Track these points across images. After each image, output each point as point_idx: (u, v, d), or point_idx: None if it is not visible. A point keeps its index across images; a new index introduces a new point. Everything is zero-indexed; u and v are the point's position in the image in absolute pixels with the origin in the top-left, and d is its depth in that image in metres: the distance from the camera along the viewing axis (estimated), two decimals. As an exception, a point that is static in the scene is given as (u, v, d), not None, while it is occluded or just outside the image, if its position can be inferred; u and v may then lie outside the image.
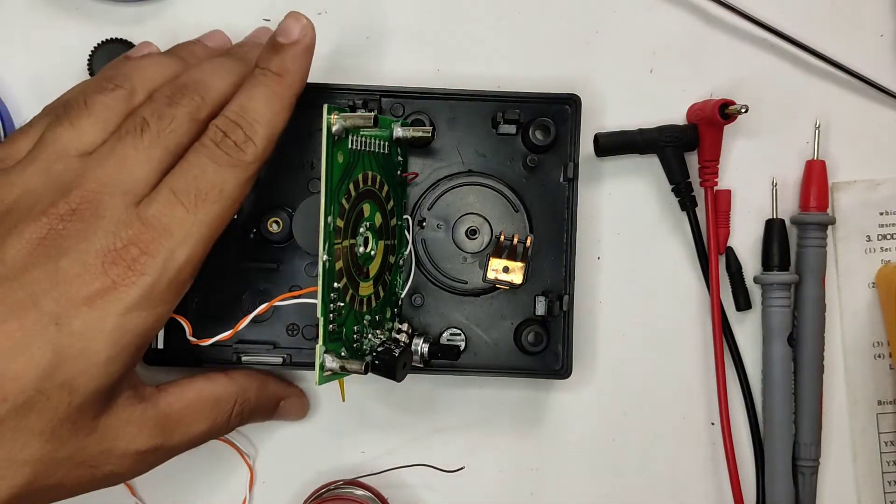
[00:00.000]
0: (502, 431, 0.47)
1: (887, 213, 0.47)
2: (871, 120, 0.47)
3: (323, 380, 0.37)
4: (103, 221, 0.33)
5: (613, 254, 0.47)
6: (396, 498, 0.46)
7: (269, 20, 0.46)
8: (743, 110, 0.43)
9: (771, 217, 0.46)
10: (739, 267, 0.46)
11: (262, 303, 0.40)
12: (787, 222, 0.47)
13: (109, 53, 0.44)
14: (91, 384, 0.33)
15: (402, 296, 0.44)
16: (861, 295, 0.47)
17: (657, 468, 0.47)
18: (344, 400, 0.41)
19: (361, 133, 0.39)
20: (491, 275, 0.42)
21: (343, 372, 0.37)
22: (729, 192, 0.46)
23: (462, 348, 0.44)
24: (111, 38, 0.44)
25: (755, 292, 0.47)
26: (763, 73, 0.47)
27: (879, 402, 0.46)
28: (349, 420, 0.46)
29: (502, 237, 0.43)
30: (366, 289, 0.40)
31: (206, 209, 0.34)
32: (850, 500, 0.47)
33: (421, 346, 0.42)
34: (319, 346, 0.36)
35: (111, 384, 0.34)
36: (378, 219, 0.41)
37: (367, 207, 0.40)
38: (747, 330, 0.47)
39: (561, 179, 0.44)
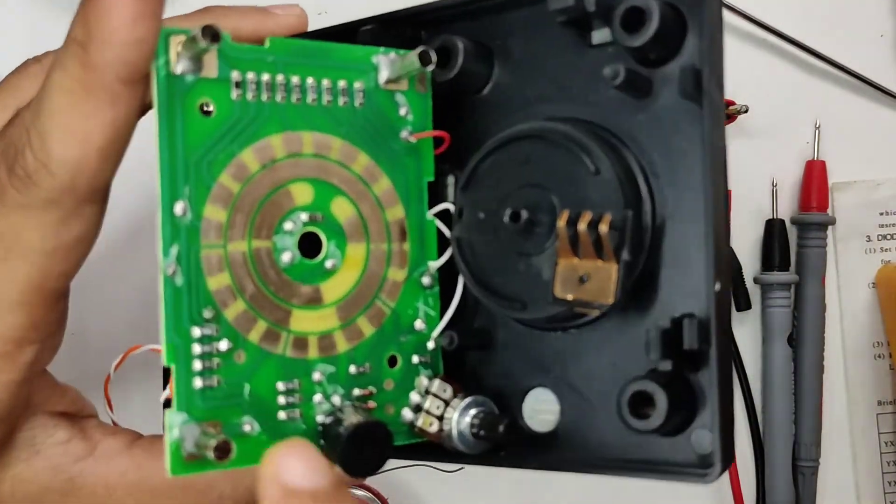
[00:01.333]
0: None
1: (887, 214, 0.47)
2: (871, 120, 0.47)
3: (181, 468, 0.24)
4: None
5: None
6: (396, 498, 0.46)
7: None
8: (743, 110, 0.43)
9: (771, 217, 0.46)
10: (739, 267, 0.46)
11: None
12: (787, 222, 0.46)
13: (109, 54, 0.44)
14: None
15: (435, 335, 0.29)
16: (861, 295, 0.46)
17: (657, 468, 0.47)
18: None
19: (290, 71, 0.26)
20: (561, 291, 0.26)
21: (224, 462, 0.24)
22: (729, 192, 0.46)
23: (554, 423, 0.28)
24: (111, 39, 0.44)
25: (755, 292, 0.47)
26: (763, 73, 0.47)
27: (879, 403, 0.46)
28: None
29: (562, 221, 0.25)
30: (313, 321, 0.27)
31: None
32: (850, 500, 0.47)
33: (455, 420, 0.27)
34: (171, 413, 0.24)
35: None
36: (343, 208, 0.27)
37: (300, 189, 0.26)
38: (747, 330, 0.47)
39: (677, 103, 0.26)
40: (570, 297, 0.25)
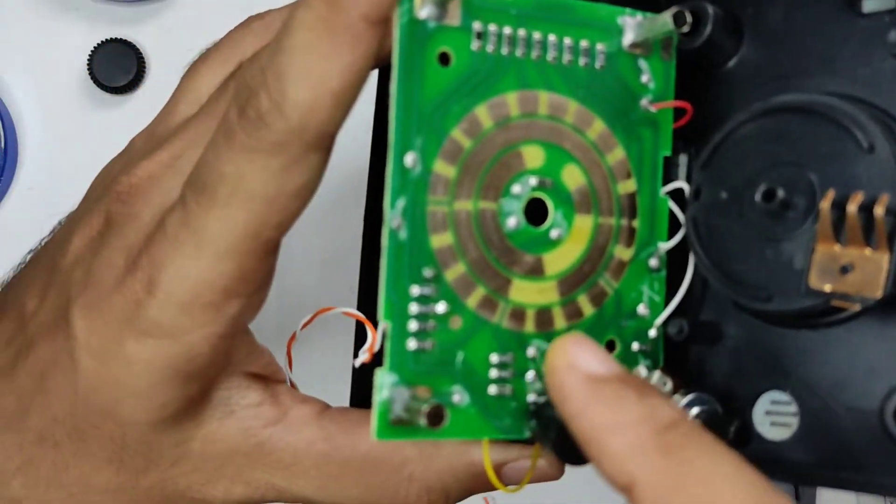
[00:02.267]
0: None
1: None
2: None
3: (387, 432, 0.23)
4: (147, 208, 0.26)
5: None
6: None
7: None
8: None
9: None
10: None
11: None
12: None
13: (109, 53, 0.43)
14: (136, 415, 0.26)
15: (658, 323, 0.27)
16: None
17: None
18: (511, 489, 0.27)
19: (532, 26, 0.25)
20: (818, 281, 0.23)
21: (435, 430, 0.23)
22: None
23: (792, 431, 0.25)
24: (111, 38, 0.43)
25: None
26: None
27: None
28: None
29: (826, 202, 0.23)
30: (532, 293, 0.25)
31: (217, 213, 0.23)
32: (850, 500, 0.47)
33: None
34: (381, 373, 0.23)
35: (175, 412, 0.26)
36: (574, 176, 0.25)
37: (532, 152, 0.25)
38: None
39: None
40: (827, 288, 0.23)
